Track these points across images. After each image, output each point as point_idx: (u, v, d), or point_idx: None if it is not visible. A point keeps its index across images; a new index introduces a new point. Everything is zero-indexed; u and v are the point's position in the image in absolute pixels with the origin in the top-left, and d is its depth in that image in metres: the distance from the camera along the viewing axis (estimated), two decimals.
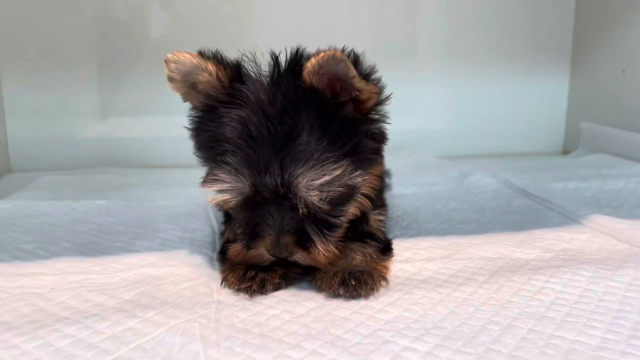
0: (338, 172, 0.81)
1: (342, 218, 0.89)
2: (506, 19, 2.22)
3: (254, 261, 0.88)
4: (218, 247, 1.08)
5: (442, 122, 2.26)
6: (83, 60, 2.01)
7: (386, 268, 0.93)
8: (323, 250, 0.85)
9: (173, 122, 2.06)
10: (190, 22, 2.07)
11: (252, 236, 0.86)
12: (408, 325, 0.75)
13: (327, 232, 0.87)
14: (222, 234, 1.11)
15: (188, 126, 0.93)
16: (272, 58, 0.87)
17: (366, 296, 0.84)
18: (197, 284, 0.91)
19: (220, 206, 0.89)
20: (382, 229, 1.03)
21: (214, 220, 1.27)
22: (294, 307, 0.82)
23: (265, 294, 0.86)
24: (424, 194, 1.55)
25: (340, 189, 0.83)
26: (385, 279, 0.89)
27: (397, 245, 1.06)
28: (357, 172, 0.84)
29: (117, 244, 1.13)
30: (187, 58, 0.86)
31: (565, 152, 2.31)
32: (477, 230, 1.20)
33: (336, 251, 0.88)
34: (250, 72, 0.88)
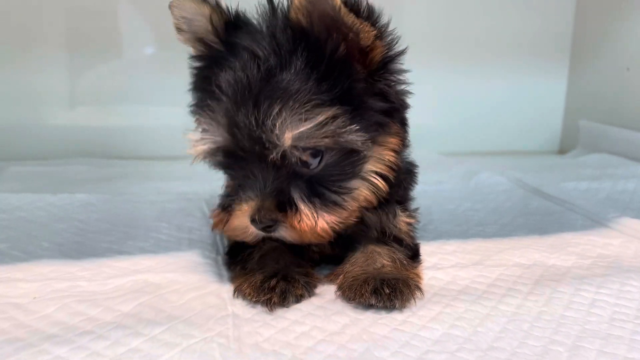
0: (322, 117, 0.69)
1: (346, 197, 0.76)
2: (504, 13, 2.14)
3: (239, 236, 0.76)
4: (222, 249, 0.96)
5: (438, 118, 2.17)
6: (51, 46, 1.86)
7: (419, 276, 0.83)
8: (307, 219, 0.72)
9: (147, 112, 2.01)
10: (161, 8, 1.93)
11: (233, 200, 0.75)
12: (460, 346, 0.65)
13: (320, 204, 0.74)
14: None
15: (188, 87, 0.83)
16: (267, 2, 0.76)
17: (401, 307, 0.74)
18: (206, 294, 0.79)
19: (202, 158, 0.77)
20: (411, 233, 0.91)
21: None
22: (324, 322, 0.71)
23: (287, 307, 0.75)
24: (431, 191, 1.45)
25: (327, 140, 0.70)
26: (420, 288, 0.79)
27: (420, 249, 0.95)
28: (353, 127, 0.71)
29: (105, 244, 1.00)
30: (188, 2, 0.78)
31: (562, 151, 2.25)
32: (499, 233, 1.12)
33: (328, 228, 0.74)
34: (250, 20, 0.78)
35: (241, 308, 0.74)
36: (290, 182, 0.73)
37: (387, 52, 0.76)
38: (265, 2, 0.76)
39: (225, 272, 0.87)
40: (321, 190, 0.74)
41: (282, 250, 0.85)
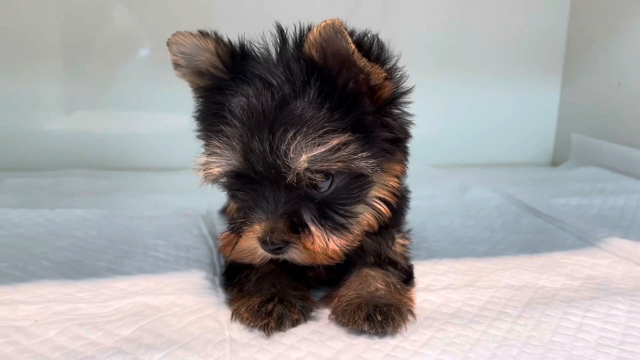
0: (335, 142, 0.72)
1: (351, 221, 0.78)
2: (498, 26, 2.17)
3: (246, 258, 0.78)
4: (220, 269, 0.98)
5: (430, 129, 2.18)
6: (47, 53, 1.88)
7: (411, 300, 0.85)
8: (319, 240, 0.74)
9: (144, 119, 2.02)
10: (157, 14, 1.94)
11: (243, 222, 0.76)
12: None
13: (329, 226, 0.76)
14: None
15: (193, 114, 0.86)
16: (277, 32, 0.79)
17: (393, 333, 0.76)
18: (204, 317, 0.81)
19: (212, 180, 0.79)
20: (406, 255, 0.94)
21: (209, 237, 1.16)
22: (319, 348, 0.73)
23: (284, 331, 0.77)
24: (425, 207, 1.48)
25: (340, 164, 0.73)
26: (412, 313, 0.81)
27: (414, 268, 0.98)
28: (364, 154, 0.74)
29: (104, 263, 1.02)
30: (188, 38, 0.80)
31: (554, 163, 2.28)
32: (491, 252, 1.14)
33: (337, 250, 0.76)
34: (254, 49, 0.81)
35: (238, 332, 0.76)
36: (301, 204, 0.75)
37: (396, 90, 0.80)
38: (276, 33, 0.79)
39: (222, 294, 0.89)
40: (330, 213, 0.77)
41: (278, 273, 0.87)
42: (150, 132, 2.00)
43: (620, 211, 1.46)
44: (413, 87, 0.82)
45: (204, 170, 0.77)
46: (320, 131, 0.72)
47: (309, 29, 0.75)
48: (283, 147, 0.71)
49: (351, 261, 0.87)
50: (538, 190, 1.67)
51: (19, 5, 1.83)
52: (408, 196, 0.99)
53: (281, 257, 0.76)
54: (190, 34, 0.79)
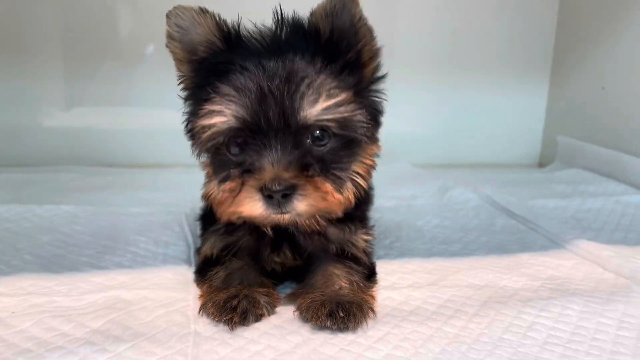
0: (343, 96, 0.78)
1: (343, 181, 0.82)
2: (486, 28, 2.20)
3: (245, 213, 0.79)
4: (194, 266, 1.02)
5: (418, 129, 2.23)
6: (48, 49, 1.92)
7: (373, 298, 0.89)
8: (330, 183, 0.79)
9: (142, 115, 2.06)
10: (157, 11, 1.97)
11: (248, 169, 0.78)
12: None
13: (330, 177, 0.80)
14: (198, 250, 1.04)
15: (181, 93, 0.89)
16: (274, 14, 0.83)
17: (354, 329, 0.80)
18: (172, 311, 0.85)
19: (211, 138, 0.80)
20: (369, 250, 0.98)
21: (189, 234, 1.20)
22: (278, 342, 0.77)
23: (247, 326, 0.80)
24: (404, 207, 1.52)
25: (345, 115, 0.78)
26: (373, 310, 0.84)
27: (382, 267, 1.01)
28: (362, 116, 0.80)
29: (84, 258, 1.06)
30: (188, 11, 0.84)
31: (541, 164, 2.31)
32: (461, 252, 1.17)
33: (341, 197, 0.80)
34: (249, 31, 0.85)
35: (203, 326, 0.80)
36: (306, 155, 0.79)
37: (375, 71, 0.87)
38: (276, 12, 0.83)
39: (194, 290, 0.92)
40: (329, 169, 0.81)
41: (247, 270, 0.91)
42: (147, 128, 2.04)
43: (596, 214, 1.49)
44: (387, 73, 0.88)
45: (207, 128, 0.78)
46: (330, 85, 0.78)
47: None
48: (298, 95, 0.76)
49: (316, 250, 0.92)
50: (519, 192, 1.70)
51: (19, 2, 1.86)
52: (372, 192, 1.02)
53: (284, 212, 0.77)
54: (191, 7, 0.84)
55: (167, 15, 0.85)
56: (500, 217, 1.44)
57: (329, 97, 0.77)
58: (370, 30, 0.84)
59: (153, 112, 2.03)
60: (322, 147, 0.80)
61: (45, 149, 1.98)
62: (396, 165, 1.94)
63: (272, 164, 0.76)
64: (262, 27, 0.85)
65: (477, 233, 1.31)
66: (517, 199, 1.59)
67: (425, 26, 2.16)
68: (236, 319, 0.79)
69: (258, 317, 0.82)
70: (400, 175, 1.86)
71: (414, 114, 2.19)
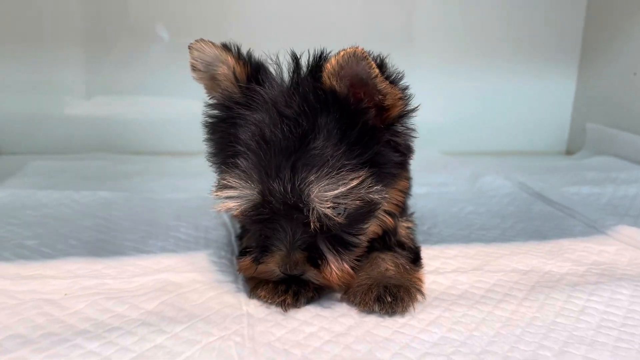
0: (355, 182, 0.74)
1: (360, 237, 0.83)
2: (514, 13, 2.17)
3: (264, 276, 0.82)
4: (237, 251, 1.02)
5: (444, 117, 2.21)
6: (69, 38, 1.93)
7: (420, 280, 0.88)
8: (336, 269, 0.79)
9: (163, 104, 2.07)
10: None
11: (262, 250, 0.80)
12: (456, 349, 0.71)
13: (342, 250, 0.81)
14: (239, 236, 1.05)
15: (204, 127, 0.88)
16: (292, 59, 0.81)
17: (402, 313, 0.80)
18: (223, 293, 0.85)
19: (229, 214, 0.83)
20: (411, 236, 0.98)
21: (227, 219, 1.21)
22: (331, 324, 0.77)
23: (299, 307, 0.81)
24: (436, 194, 1.51)
25: (358, 202, 0.76)
26: (421, 292, 0.84)
27: (423, 253, 1.01)
28: (378, 186, 0.77)
29: (128, 243, 1.07)
30: (209, 47, 0.82)
31: (569, 152, 2.29)
32: (500, 238, 1.17)
33: (351, 271, 0.82)
34: (270, 72, 0.83)
35: (255, 308, 0.81)
36: (317, 235, 0.79)
37: (404, 108, 0.81)
38: (289, 59, 0.80)
39: (240, 273, 0.93)
40: (342, 236, 0.81)
41: None
42: (169, 117, 2.05)
43: (631, 200, 1.48)
44: (419, 105, 0.83)
45: (224, 204, 0.79)
46: (342, 171, 0.74)
47: (321, 56, 0.78)
48: (305, 188, 0.73)
49: None
50: (550, 179, 1.69)
51: None
52: (411, 182, 1.02)
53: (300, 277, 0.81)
54: (212, 44, 0.81)
55: (189, 48, 0.83)
56: (535, 203, 1.43)
57: (341, 184, 0.73)
58: (388, 79, 0.77)
59: (175, 101, 2.03)
60: (338, 220, 0.77)
61: (68, 137, 2.00)
62: (424, 153, 1.92)
63: (286, 249, 0.78)
64: (277, 80, 0.81)
65: (514, 219, 1.30)
66: (550, 185, 1.57)
67: (453, 13, 2.14)
68: (289, 300, 0.80)
69: (309, 299, 0.82)
70: (429, 162, 1.85)
71: (440, 102, 2.17)
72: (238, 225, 1.08)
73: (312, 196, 0.73)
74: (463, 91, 2.20)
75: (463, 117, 2.22)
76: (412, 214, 1.04)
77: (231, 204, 0.78)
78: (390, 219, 0.88)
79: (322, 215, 0.75)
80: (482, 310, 0.82)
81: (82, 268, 0.93)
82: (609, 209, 1.39)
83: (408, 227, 0.99)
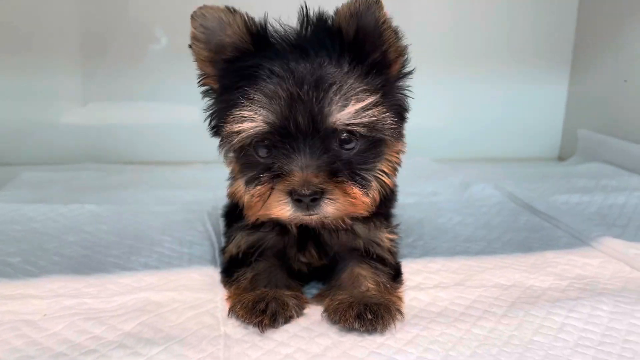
0: (371, 99, 0.78)
1: (369, 182, 0.83)
2: (505, 19, 2.17)
3: (274, 215, 0.80)
4: (220, 266, 1.03)
5: (435, 123, 2.20)
6: (64, 45, 1.93)
7: (400, 299, 0.89)
8: (355, 186, 0.80)
9: (162, 111, 2.06)
10: (173, 6, 1.97)
11: (278, 174, 0.79)
12: None
13: (357, 180, 0.81)
14: (223, 249, 1.05)
15: (204, 92, 0.89)
16: (301, 10, 0.84)
17: (382, 331, 0.80)
18: (201, 313, 0.85)
19: (240, 140, 0.80)
20: (394, 249, 0.98)
21: (213, 233, 1.21)
22: (308, 344, 0.77)
23: (277, 328, 0.81)
24: (426, 204, 1.51)
25: (373, 119, 0.79)
26: (401, 312, 0.84)
27: (406, 266, 1.01)
28: (389, 116, 0.81)
29: (111, 259, 1.07)
30: (215, 12, 0.83)
31: (561, 158, 2.29)
32: (486, 251, 1.17)
33: (368, 200, 0.81)
34: (278, 28, 0.85)
35: (233, 328, 0.81)
36: (335, 159, 0.80)
37: (402, 69, 0.87)
38: (300, 11, 0.84)
39: (221, 291, 0.93)
40: (356, 172, 0.82)
41: (273, 271, 0.92)
42: (164, 124, 2.04)
43: (620, 209, 1.47)
44: (414, 69, 0.89)
45: (237, 133, 0.79)
46: (358, 89, 0.78)
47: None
48: (327, 100, 0.76)
49: (342, 249, 0.93)
50: (541, 187, 1.68)
51: None
52: (396, 189, 1.02)
53: (312, 214, 0.78)
54: (218, 7, 0.83)
55: (192, 16, 0.84)
56: (523, 213, 1.43)
57: (357, 101, 0.78)
58: (395, 32, 0.84)
59: (170, 108, 2.03)
60: (350, 150, 0.81)
61: (63, 146, 2.00)
62: (415, 160, 1.92)
63: (301, 169, 0.77)
64: (288, 27, 0.85)
65: (500, 231, 1.30)
66: (539, 194, 1.57)
67: (444, 19, 2.14)
68: (266, 321, 0.80)
69: (287, 319, 0.82)
70: (419, 170, 1.85)
71: (431, 108, 2.15)
72: (223, 240, 1.08)
73: (332, 107, 0.77)
74: (454, 97, 2.19)
75: (454, 123, 2.22)
76: (397, 225, 1.04)
77: (247, 124, 0.78)
78: (387, 180, 0.87)
79: (339, 132, 0.78)
80: (460, 329, 0.82)
81: (63, 287, 0.93)
82: (597, 219, 1.39)
83: (392, 240, 0.99)
